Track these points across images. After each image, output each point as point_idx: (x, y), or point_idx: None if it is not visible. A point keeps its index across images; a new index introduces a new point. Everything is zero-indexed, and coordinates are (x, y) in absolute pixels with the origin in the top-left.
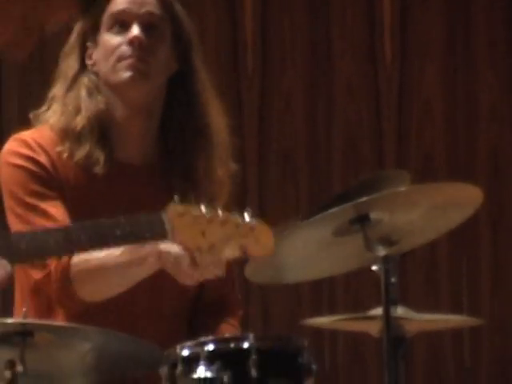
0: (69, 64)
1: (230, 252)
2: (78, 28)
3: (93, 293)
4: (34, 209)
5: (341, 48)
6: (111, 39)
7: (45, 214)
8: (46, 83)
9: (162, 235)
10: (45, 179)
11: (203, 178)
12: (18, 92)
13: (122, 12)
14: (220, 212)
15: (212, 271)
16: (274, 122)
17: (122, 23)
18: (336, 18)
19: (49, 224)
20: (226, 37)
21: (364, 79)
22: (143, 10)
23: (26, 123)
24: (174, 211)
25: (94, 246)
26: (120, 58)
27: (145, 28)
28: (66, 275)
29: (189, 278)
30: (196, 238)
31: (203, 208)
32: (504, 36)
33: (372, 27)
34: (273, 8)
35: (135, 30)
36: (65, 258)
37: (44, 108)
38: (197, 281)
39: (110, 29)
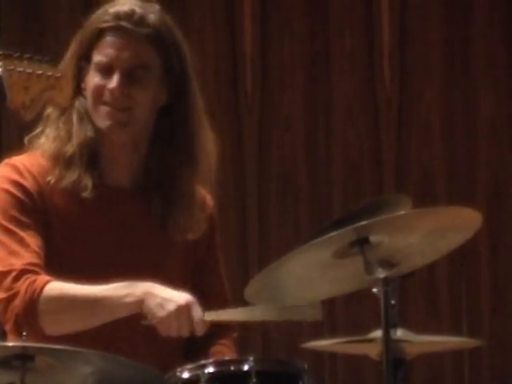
0: None
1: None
2: (73, 49)
3: (56, 324)
4: (11, 234)
5: (340, 69)
6: (96, 78)
7: (21, 242)
8: None
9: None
10: (27, 207)
11: (185, 203)
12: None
13: (106, 62)
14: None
15: (191, 329)
16: (273, 146)
17: (106, 69)
18: (335, 39)
19: (23, 251)
20: (226, 57)
21: (363, 101)
22: (126, 56)
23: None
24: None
25: None
26: (100, 101)
27: (127, 73)
28: (35, 299)
29: (166, 329)
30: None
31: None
32: (503, 57)
33: (371, 48)
34: (272, 28)
35: (115, 81)
36: (39, 282)
37: (39, 129)
38: (173, 334)
39: (96, 70)
